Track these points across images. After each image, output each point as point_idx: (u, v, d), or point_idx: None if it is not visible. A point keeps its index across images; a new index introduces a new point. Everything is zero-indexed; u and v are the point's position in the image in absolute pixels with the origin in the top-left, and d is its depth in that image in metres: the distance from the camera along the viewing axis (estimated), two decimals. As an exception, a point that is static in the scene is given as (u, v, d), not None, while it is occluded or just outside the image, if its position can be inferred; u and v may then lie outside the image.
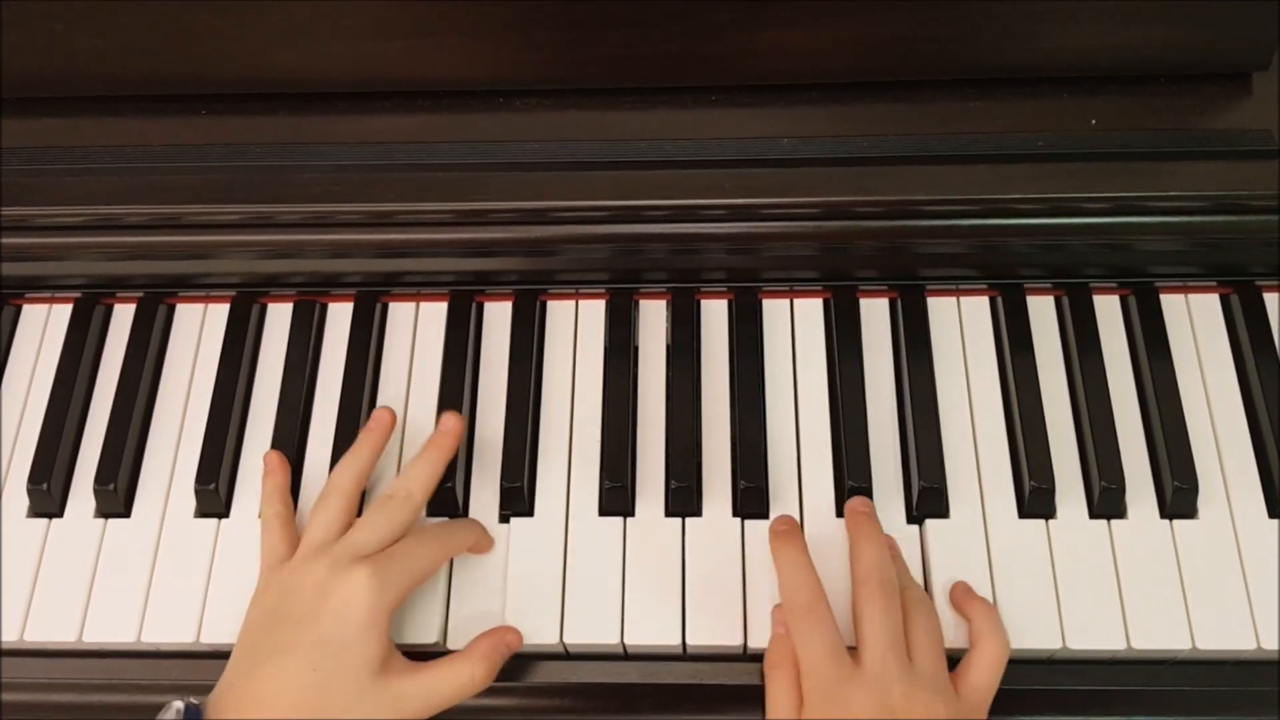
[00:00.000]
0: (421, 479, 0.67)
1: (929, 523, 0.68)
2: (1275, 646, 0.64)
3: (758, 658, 0.66)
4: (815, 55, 0.69)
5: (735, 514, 0.69)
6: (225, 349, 0.75)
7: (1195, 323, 0.73)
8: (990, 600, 0.65)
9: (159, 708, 0.61)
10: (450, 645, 0.66)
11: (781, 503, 0.69)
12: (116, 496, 0.70)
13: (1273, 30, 0.68)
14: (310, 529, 0.66)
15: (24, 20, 0.69)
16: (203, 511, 0.71)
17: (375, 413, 0.70)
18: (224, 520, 0.70)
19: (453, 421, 0.69)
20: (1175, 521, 0.68)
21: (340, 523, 0.65)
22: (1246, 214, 0.68)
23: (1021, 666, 0.66)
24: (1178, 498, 0.67)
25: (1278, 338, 0.72)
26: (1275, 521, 0.67)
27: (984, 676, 0.62)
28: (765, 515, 0.69)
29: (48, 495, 0.71)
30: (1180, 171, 0.68)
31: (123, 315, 0.77)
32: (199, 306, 0.77)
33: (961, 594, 0.65)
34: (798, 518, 0.68)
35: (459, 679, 0.63)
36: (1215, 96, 0.70)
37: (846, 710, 0.58)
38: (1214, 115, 0.70)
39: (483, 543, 0.68)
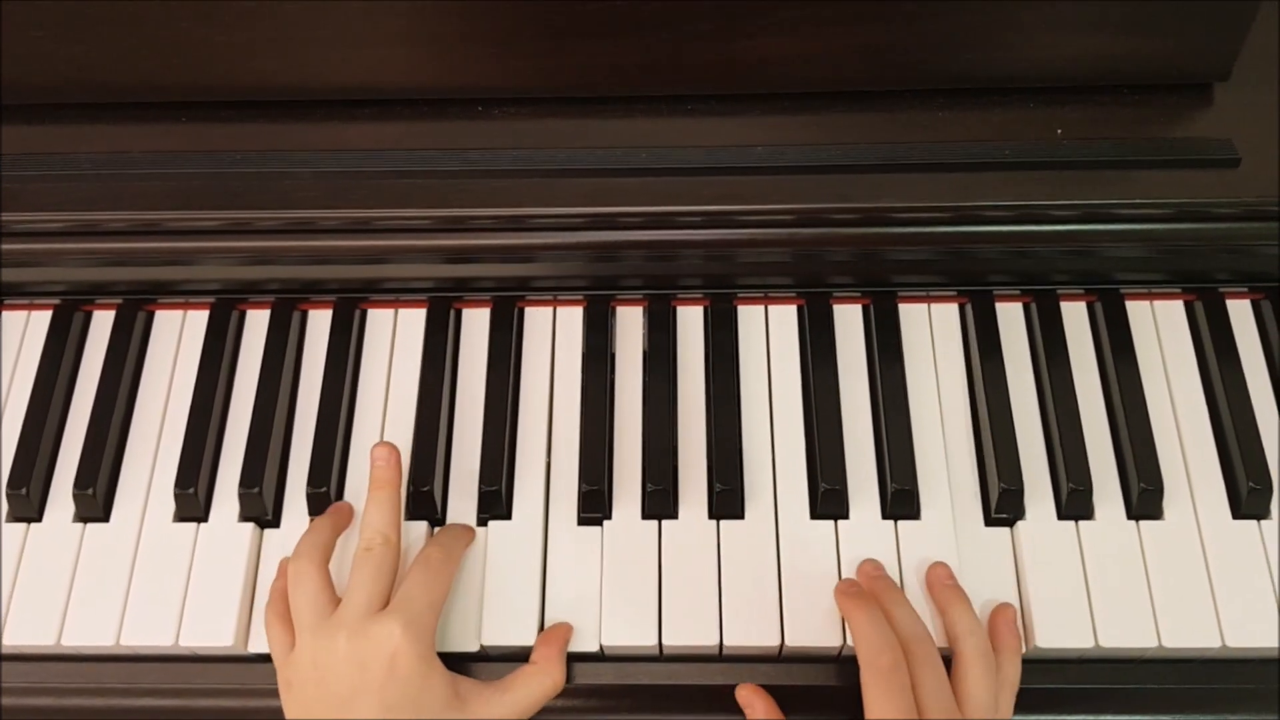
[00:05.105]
0: (387, 519, 0.66)
1: (901, 524, 0.69)
2: (1238, 644, 0.65)
3: (733, 659, 0.67)
4: (789, 65, 0.71)
5: (711, 516, 0.70)
6: (204, 355, 0.75)
7: (1160, 328, 0.75)
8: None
9: (137, 711, 0.60)
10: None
11: (757, 505, 0.70)
12: (95, 501, 0.71)
13: (1233, 42, 0.70)
14: (299, 615, 0.64)
15: (3, 26, 0.70)
16: (181, 516, 0.71)
17: (339, 504, 0.70)
18: (202, 525, 0.71)
19: (382, 451, 0.68)
20: (1141, 522, 0.69)
21: (327, 594, 0.64)
22: (1209, 221, 0.70)
23: (992, 666, 0.67)
24: (1143, 499, 0.69)
25: (1240, 343, 0.73)
26: (1238, 522, 0.69)
27: None
28: (741, 517, 0.69)
29: (26, 500, 0.71)
30: (1144, 180, 0.70)
31: (102, 322, 0.77)
32: (178, 313, 0.77)
33: (1005, 624, 0.67)
34: (772, 519, 0.69)
35: (541, 688, 0.64)
36: (1178, 106, 0.72)
37: None
38: (1177, 125, 0.71)
39: (469, 536, 0.69)
